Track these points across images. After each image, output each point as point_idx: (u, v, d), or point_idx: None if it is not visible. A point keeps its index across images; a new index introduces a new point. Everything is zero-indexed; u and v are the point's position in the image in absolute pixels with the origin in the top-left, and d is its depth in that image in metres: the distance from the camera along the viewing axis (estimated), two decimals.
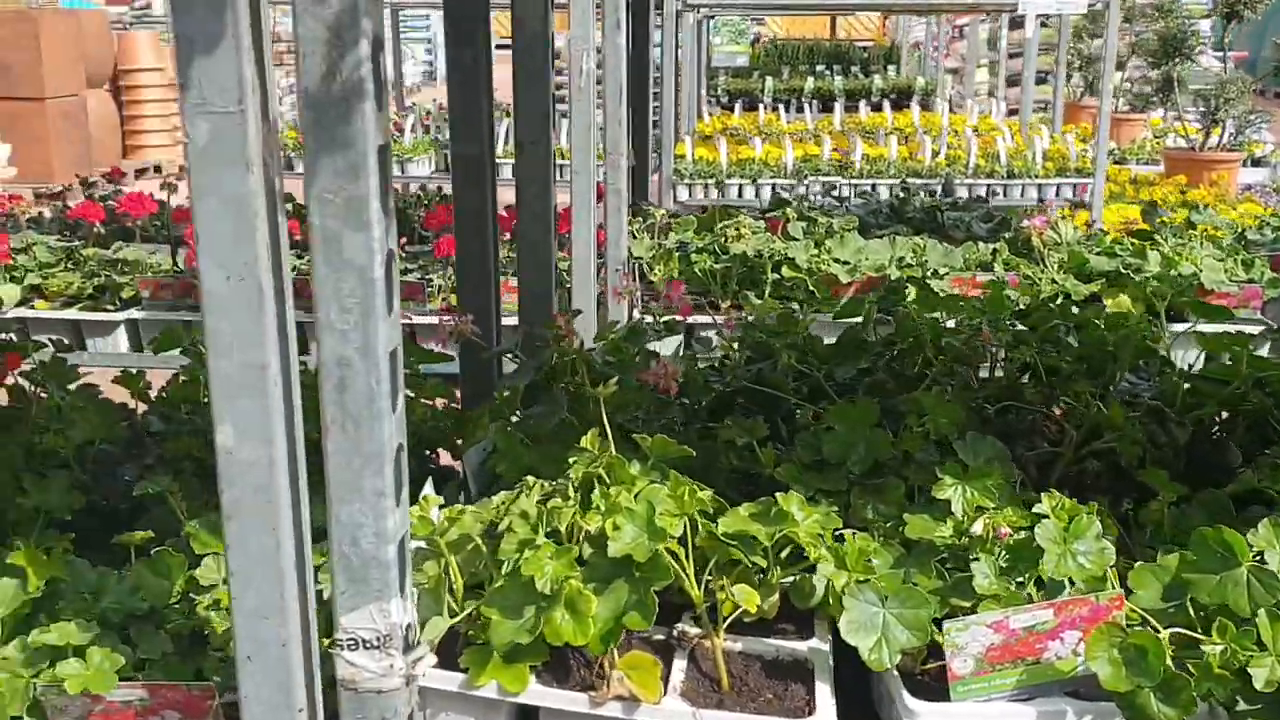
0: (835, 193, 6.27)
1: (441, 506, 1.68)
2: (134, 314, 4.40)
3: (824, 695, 1.55)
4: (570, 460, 1.64)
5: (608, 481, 1.60)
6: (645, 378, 2.01)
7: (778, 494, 1.59)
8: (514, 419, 2.02)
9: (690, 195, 8.04)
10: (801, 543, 1.57)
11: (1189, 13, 9.92)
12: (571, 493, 1.56)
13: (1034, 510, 1.59)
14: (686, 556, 1.54)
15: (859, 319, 2.39)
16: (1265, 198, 9.05)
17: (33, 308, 4.45)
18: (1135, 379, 2.14)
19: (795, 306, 4.61)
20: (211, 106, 1.19)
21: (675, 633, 1.64)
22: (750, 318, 2.68)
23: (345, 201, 1.26)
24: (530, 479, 1.62)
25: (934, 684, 1.60)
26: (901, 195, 5.71)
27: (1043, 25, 10.73)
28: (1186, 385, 2.07)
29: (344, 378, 1.32)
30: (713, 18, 12.75)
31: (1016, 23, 11.22)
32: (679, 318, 3.29)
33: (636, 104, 5.50)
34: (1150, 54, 9.94)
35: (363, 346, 1.31)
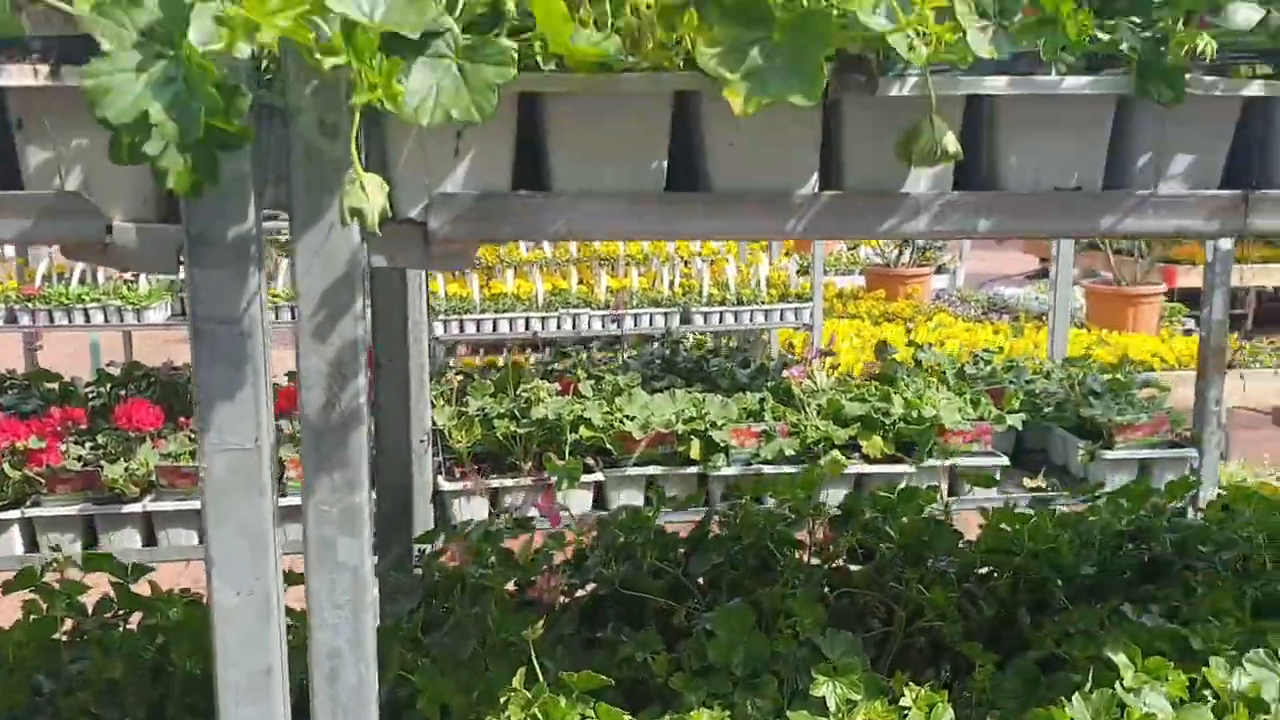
0: (614, 347, 6.66)
1: None
2: (33, 511, 3.96)
3: None
4: (501, 699, 1.80)
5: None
6: (533, 594, 2.20)
7: (692, 712, 1.82)
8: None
9: (445, 330, 8.14)
10: None
11: None
12: None
13: (900, 704, 1.90)
14: None
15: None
16: (952, 306, 10.33)
17: None
18: (938, 556, 2.53)
19: (590, 462, 4.90)
20: (229, 445, 1.32)
21: None
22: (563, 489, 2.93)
23: (341, 512, 1.40)
24: None
25: None
26: (671, 347, 6.16)
27: None
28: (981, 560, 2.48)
29: (334, 669, 1.44)
30: None
31: None
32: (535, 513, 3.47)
33: None
34: None
35: (353, 639, 1.44)
